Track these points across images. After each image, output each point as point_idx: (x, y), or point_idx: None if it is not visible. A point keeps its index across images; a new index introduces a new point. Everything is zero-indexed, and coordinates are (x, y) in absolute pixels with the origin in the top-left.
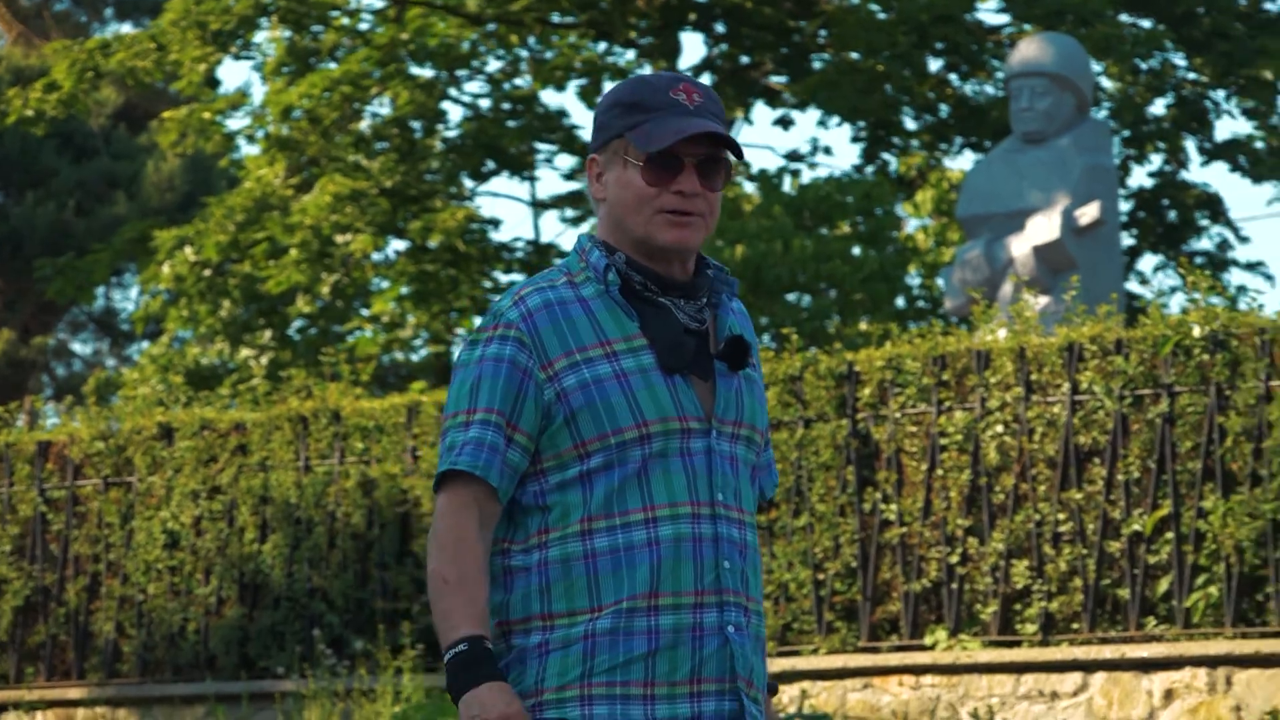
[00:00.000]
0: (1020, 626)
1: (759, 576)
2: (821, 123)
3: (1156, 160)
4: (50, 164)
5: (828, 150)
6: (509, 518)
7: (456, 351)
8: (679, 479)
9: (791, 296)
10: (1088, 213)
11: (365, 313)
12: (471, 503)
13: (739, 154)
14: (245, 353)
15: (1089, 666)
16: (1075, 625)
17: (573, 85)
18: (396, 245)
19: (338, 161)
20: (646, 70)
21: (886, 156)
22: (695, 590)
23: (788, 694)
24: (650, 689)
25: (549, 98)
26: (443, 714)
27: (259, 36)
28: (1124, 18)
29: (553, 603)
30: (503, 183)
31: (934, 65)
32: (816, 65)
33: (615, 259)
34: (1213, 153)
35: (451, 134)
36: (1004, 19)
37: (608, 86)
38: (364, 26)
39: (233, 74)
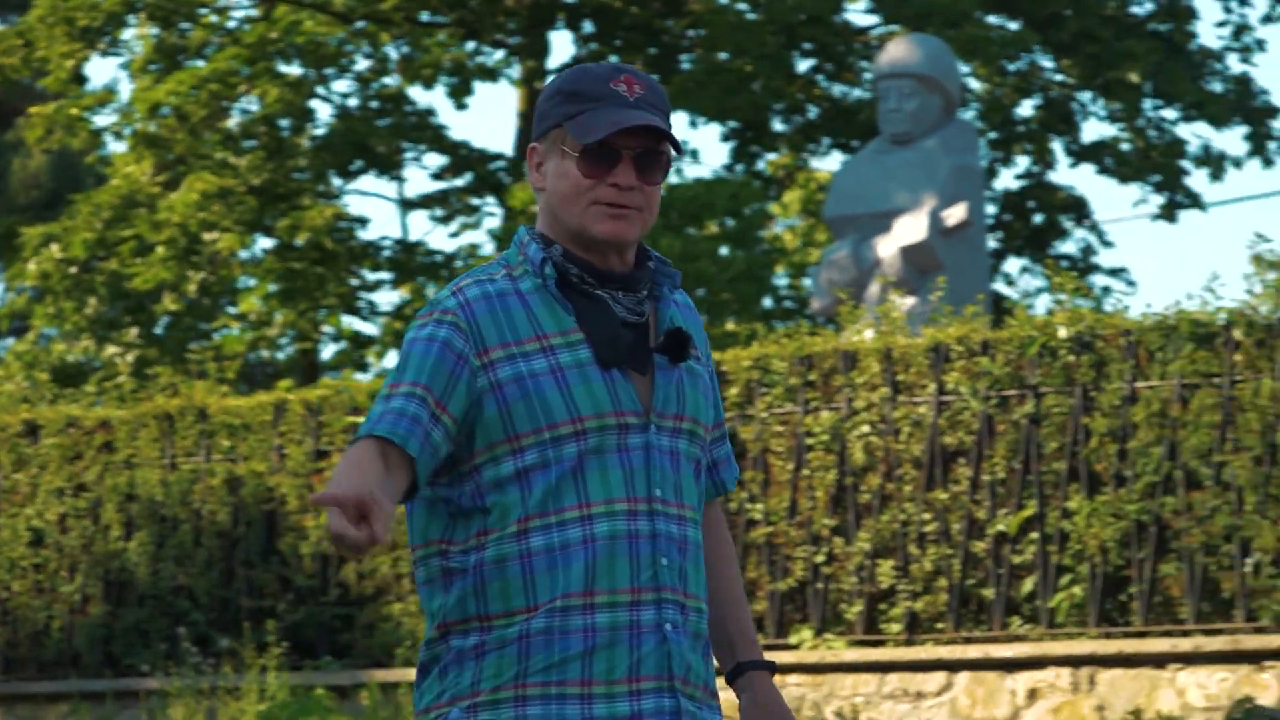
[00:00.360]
0: (885, 626)
1: (701, 573)
2: (691, 123)
3: (1024, 162)
4: None
5: (694, 153)
6: (449, 519)
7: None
8: (615, 475)
9: None
10: (954, 214)
11: (232, 310)
12: (376, 450)
13: (678, 148)
14: (111, 350)
15: (953, 666)
16: (940, 625)
17: (441, 84)
18: (264, 243)
19: (205, 159)
20: (515, 70)
21: (754, 157)
22: (632, 588)
23: None
24: (588, 688)
25: (417, 96)
26: (307, 713)
27: (127, 33)
28: (991, 19)
29: (489, 604)
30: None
31: (802, 66)
32: (685, 65)
33: (552, 251)
34: (1079, 154)
35: (319, 132)
36: (872, 20)
37: (477, 86)
38: (232, 24)
39: (100, 70)
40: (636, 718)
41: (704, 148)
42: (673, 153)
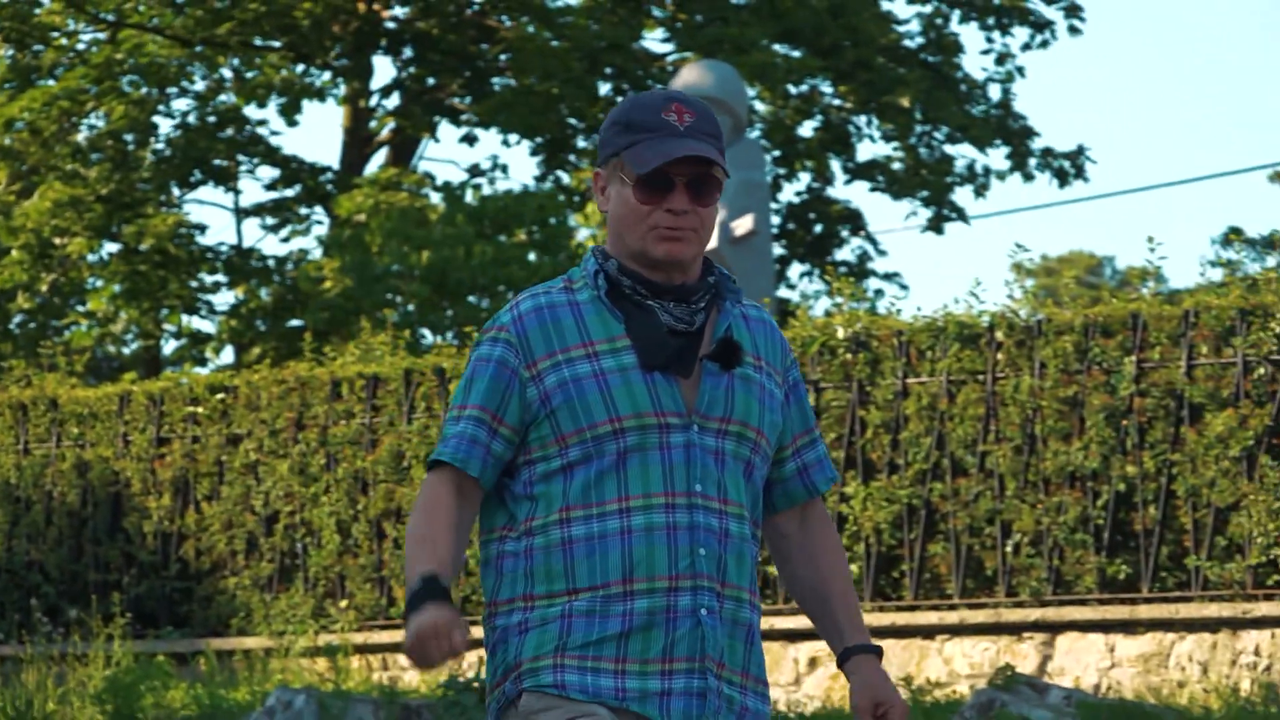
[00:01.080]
0: None
1: (744, 565)
2: (503, 141)
3: (805, 178)
4: None
5: (504, 169)
6: (505, 507)
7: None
8: (655, 471)
9: (473, 298)
10: (743, 224)
11: (81, 309)
12: (450, 481)
13: (725, 171)
14: None
15: None
16: None
17: (273, 103)
18: (110, 248)
19: (57, 170)
20: (341, 90)
21: (560, 172)
22: (670, 575)
23: (466, 660)
24: (622, 665)
25: (251, 114)
26: (149, 678)
27: None
28: (777, 47)
29: (534, 585)
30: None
31: (604, 89)
32: (497, 88)
33: (607, 265)
34: (855, 172)
35: (161, 146)
36: (668, 47)
37: (306, 105)
38: (81, 46)
39: None
40: (666, 694)
41: (514, 163)
42: (723, 173)
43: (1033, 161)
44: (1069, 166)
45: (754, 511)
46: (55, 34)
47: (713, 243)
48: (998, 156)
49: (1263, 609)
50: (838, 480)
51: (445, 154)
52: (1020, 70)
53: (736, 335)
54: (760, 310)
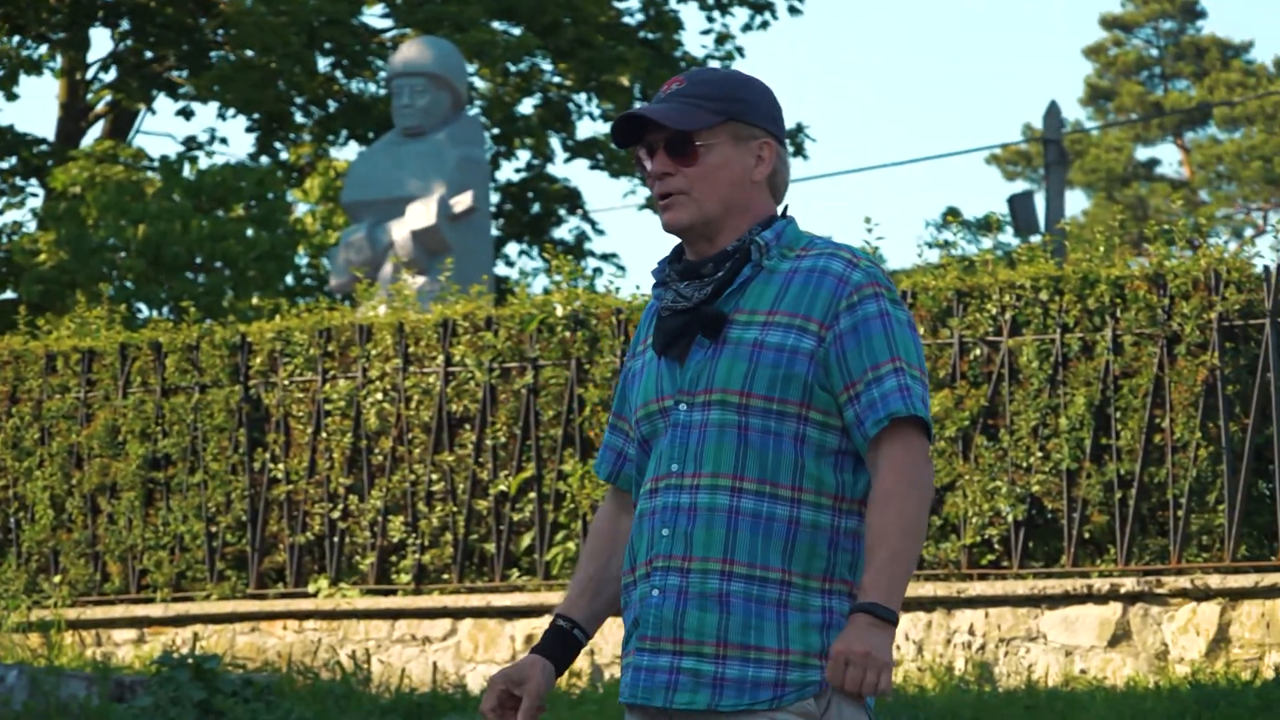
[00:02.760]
0: (396, 577)
1: (714, 534)
2: (220, 114)
3: (524, 156)
4: None
5: (224, 140)
6: None
7: None
8: (654, 457)
9: (190, 273)
10: (461, 201)
11: None
12: (609, 493)
13: (680, 123)
14: None
15: (458, 614)
16: (446, 576)
17: None
18: None
19: None
20: (58, 62)
21: (278, 146)
22: (646, 560)
23: (180, 636)
24: (631, 654)
25: None
26: None
27: None
28: (497, 25)
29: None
30: None
31: (323, 64)
32: (215, 61)
33: (667, 257)
34: (574, 150)
35: None
36: (387, 23)
37: (22, 77)
38: None
39: None
40: (632, 669)
41: (231, 137)
42: (710, 126)
43: None
44: (788, 145)
45: (774, 475)
46: None
47: (432, 219)
48: None
49: (977, 588)
50: (900, 413)
51: (162, 127)
52: (740, 50)
53: (754, 293)
54: (821, 258)
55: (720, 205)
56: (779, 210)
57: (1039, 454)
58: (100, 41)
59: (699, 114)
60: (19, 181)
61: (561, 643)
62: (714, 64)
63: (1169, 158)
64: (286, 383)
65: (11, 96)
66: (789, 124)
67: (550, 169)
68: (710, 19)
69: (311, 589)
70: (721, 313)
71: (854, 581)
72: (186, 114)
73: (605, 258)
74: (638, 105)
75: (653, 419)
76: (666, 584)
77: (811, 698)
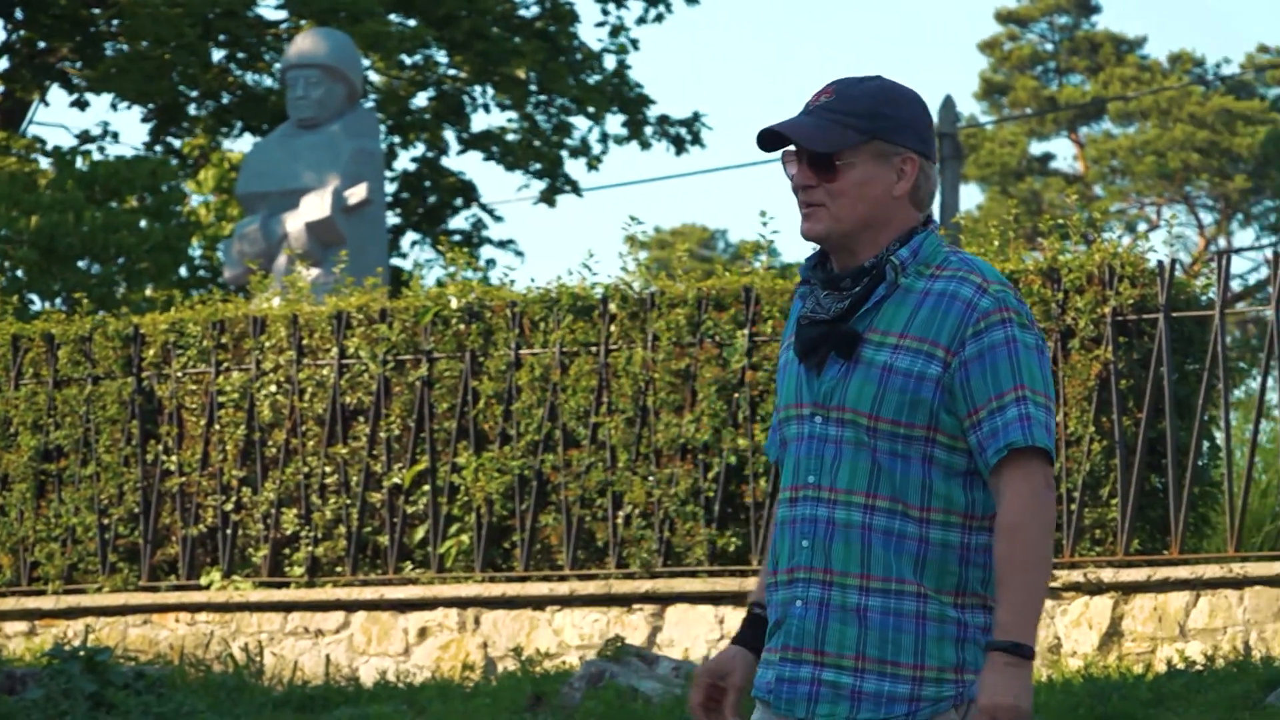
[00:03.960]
0: (289, 569)
1: (852, 550)
2: (113, 105)
3: (419, 147)
4: None
5: (115, 135)
6: None
7: None
8: (791, 463)
9: (83, 264)
10: (356, 193)
11: None
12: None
13: (822, 145)
14: None
15: (351, 606)
16: (339, 569)
17: None
18: None
19: None
20: None
21: (172, 138)
22: (788, 568)
23: (72, 629)
24: (772, 654)
25: None
26: None
27: None
28: (392, 17)
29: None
30: None
31: (217, 56)
32: (109, 52)
33: (814, 257)
34: (469, 142)
35: None
36: (281, 15)
37: None
38: None
39: None
40: (770, 683)
41: (125, 129)
42: (852, 145)
43: (649, 130)
44: (685, 134)
45: (903, 495)
46: None
47: (326, 211)
48: (615, 124)
49: None
50: (1019, 443)
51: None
52: (635, 43)
53: (888, 314)
54: (953, 281)
55: (859, 222)
56: (921, 218)
57: None
58: None
59: (843, 133)
60: None
61: (759, 631)
62: (610, 58)
63: (1063, 152)
64: (180, 375)
65: None
66: (685, 114)
67: (444, 161)
68: (605, 11)
69: (204, 581)
70: (856, 332)
71: (987, 595)
72: (81, 105)
73: (502, 245)
74: (783, 120)
75: (790, 422)
76: (809, 595)
77: (949, 710)
